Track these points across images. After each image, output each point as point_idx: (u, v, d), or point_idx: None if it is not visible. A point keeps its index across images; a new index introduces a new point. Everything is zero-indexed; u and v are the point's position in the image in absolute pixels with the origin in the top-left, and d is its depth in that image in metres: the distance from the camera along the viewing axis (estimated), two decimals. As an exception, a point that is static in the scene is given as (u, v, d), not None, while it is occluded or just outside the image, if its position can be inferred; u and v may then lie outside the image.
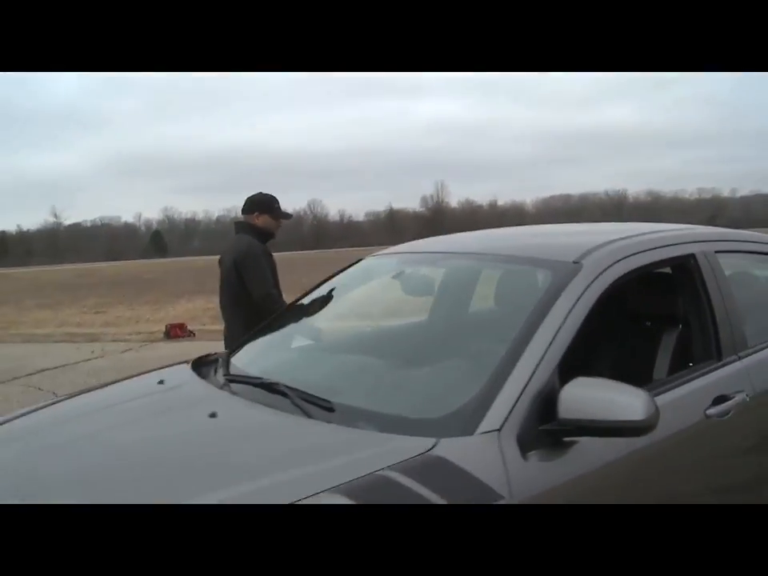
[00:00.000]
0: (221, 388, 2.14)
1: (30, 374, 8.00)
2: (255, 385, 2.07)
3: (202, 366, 2.46)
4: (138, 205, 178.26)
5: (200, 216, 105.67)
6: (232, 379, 2.18)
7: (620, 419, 1.58)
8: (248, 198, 4.01)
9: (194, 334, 11.19)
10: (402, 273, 2.65)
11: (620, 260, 2.07)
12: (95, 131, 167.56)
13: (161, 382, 2.28)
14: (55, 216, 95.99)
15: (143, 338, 11.41)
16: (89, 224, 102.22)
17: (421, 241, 2.88)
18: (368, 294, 2.87)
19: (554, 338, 1.79)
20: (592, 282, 1.96)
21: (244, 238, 3.89)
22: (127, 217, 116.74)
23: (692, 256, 2.32)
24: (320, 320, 2.67)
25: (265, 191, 4.07)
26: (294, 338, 2.66)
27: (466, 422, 1.63)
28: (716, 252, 2.41)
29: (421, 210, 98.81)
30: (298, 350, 2.54)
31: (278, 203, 4.01)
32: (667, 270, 2.41)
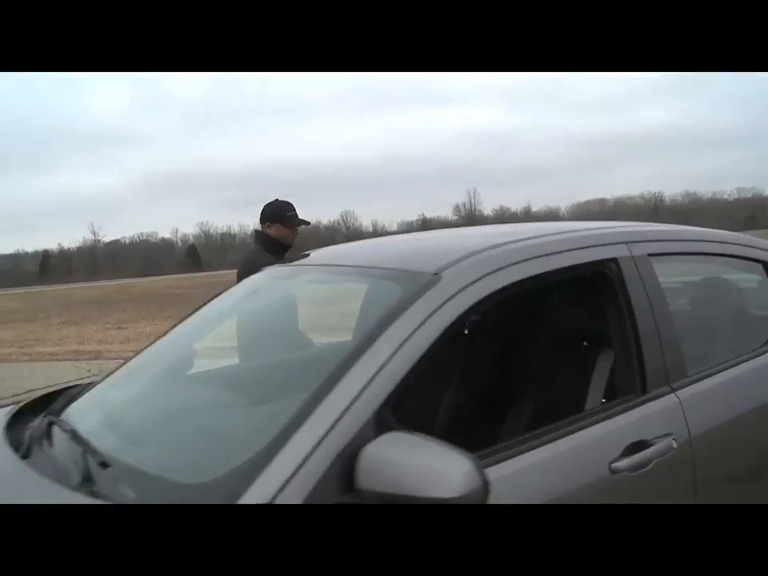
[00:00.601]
0: (15, 435, 1.76)
1: (17, 395, 7.86)
2: (65, 430, 1.70)
3: (40, 404, 2.09)
4: (174, 220, 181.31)
5: (235, 230, 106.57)
6: (48, 422, 1.81)
7: (428, 495, 1.13)
8: (263, 207, 3.72)
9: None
10: (255, 292, 2.22)
11: (498, 269, 1.60)
12: (133, 149, 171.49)
13: None
14: (93, 234, 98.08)
15: (147, 354, 11.22)
16: (127, 241, 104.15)
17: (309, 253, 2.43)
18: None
19: (374, 377, 1.34)
20: (450, 298, 1.50)
21: (255, 250, 3.65)
22: (164, 232, 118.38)
23: (613, 261, 1.83)
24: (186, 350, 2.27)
25: (282, 198, 3.76)
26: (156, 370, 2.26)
27: (222, 492, 1.21)
28: (650, 255, 1.92)
29: (454, 218, 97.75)
30: (147, 384, 2.12)
31: (292, 210, 3.69)
32: (584, 279, 1.93)
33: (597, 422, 1.61)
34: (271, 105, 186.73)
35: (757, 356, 2.05)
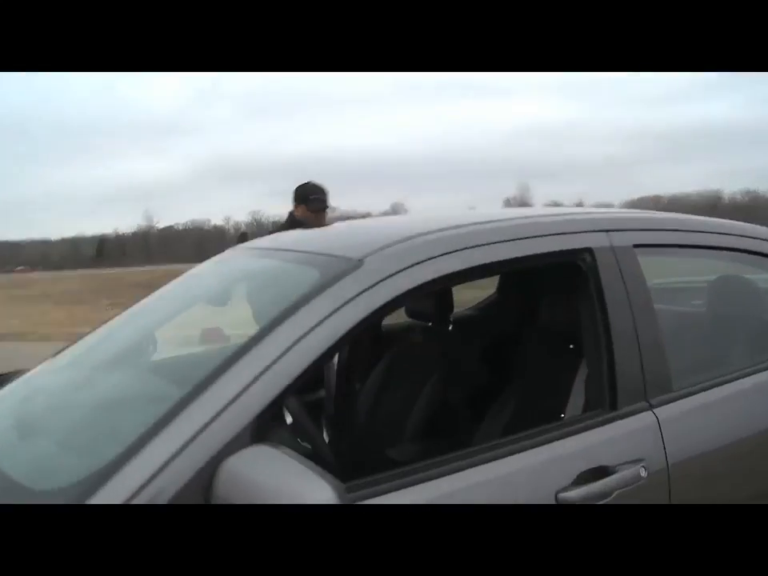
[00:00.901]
0: None
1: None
2: None
3: None
4: (227, 208, 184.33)
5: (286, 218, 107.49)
6: None
7: None
8: (296, 187, 3.68)
9: (229, 339, 10.98)
10: (198, 277, 2.03)
11: (432, 258, 1.36)
12: (188, 139, 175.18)
13: None
14: (148, 220, 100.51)
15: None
16: (180, 227, 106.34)
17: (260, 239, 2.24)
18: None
19: (258, 377, 1.14)
20: (368, 288, 1.27)
21: (277, 231, 3.54)
22: (216, 220, 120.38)
23: (588, 251, 1.56)
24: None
25: (316, 182, 3.68)
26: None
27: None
28: (635, 246, 1.64)
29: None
30: (78, 374, 1.95)
31: (317, 194, 3.59)
32: (550, 271, 1.66)
33: (547, 442, 1.35)
34: (324, 96, 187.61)
35: (765, 369, 1.74)
